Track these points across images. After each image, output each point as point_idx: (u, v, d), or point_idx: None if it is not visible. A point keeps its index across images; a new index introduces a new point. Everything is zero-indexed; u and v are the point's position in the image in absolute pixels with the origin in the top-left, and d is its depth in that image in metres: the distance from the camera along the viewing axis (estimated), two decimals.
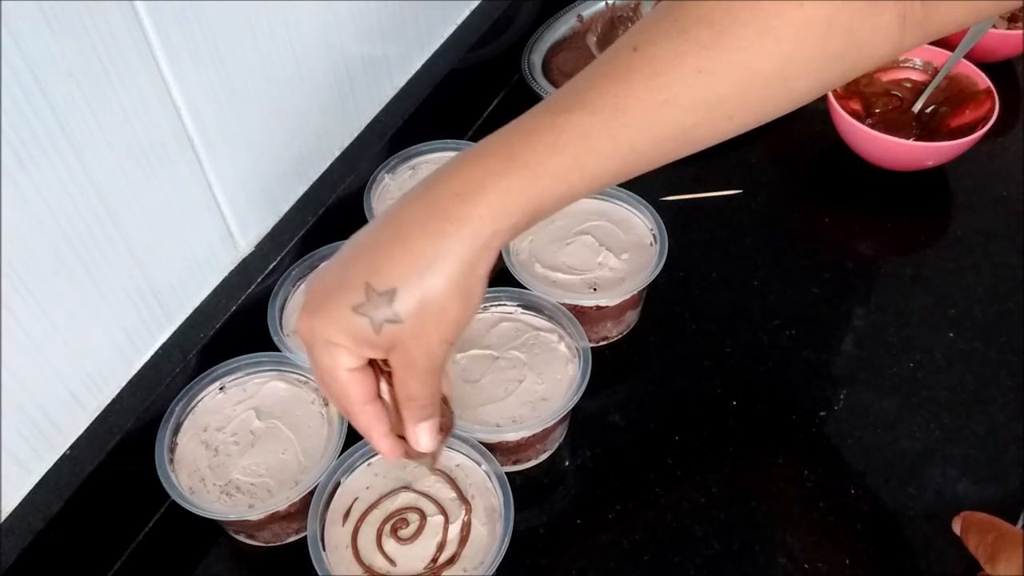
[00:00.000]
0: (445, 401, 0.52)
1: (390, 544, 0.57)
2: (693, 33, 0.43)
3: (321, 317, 0.45)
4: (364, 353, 0.45)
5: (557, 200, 0.44)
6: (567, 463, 0.67)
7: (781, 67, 0.44)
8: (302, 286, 0.71)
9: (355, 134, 0.78)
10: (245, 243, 0.70)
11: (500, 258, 0.55)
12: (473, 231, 0.42)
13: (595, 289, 0.70)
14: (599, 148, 0.43)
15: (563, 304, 0.68)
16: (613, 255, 0.72)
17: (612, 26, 0.96)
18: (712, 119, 0.45)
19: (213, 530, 0.63)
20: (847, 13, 0.43)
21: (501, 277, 0.69)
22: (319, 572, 0.55)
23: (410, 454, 0.51)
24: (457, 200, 0.43)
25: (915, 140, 0.83)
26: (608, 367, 0.71)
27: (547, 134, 0.43)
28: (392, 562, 0.57)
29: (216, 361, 0.65)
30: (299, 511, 0.60)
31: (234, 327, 0.67)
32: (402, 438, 0.50)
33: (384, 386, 0.48)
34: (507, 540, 0.56)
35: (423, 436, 0.49)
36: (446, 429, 0.52)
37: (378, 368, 0.47)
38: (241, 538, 0.63)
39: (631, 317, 0.73)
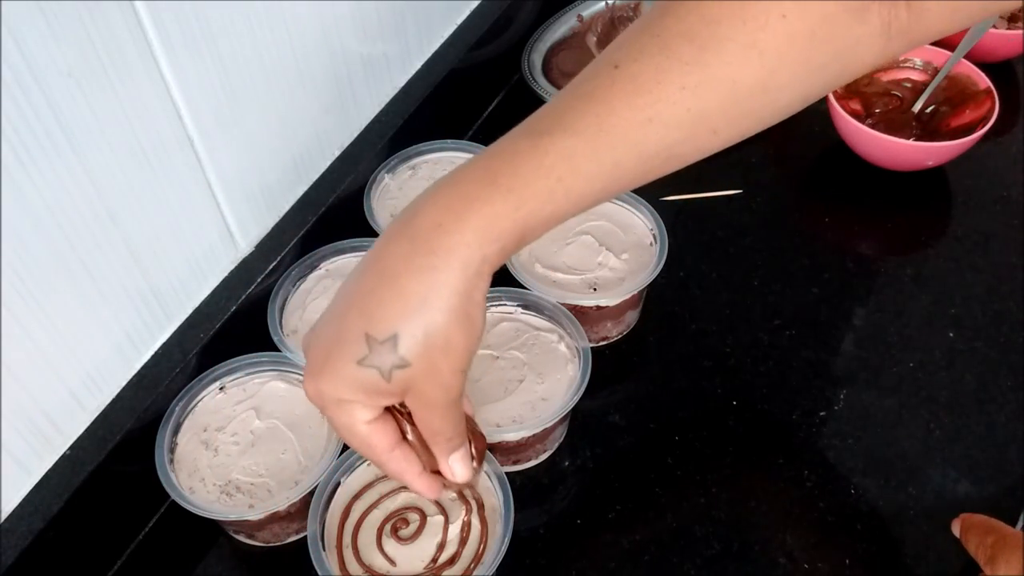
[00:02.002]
0: (471, 424, 0.51)
1: (390, 544, 0.57)
2: (675, 48, 0.42)
3: (327, 378, 0.44)
4: (379, 403, 0.45)
5: (544, 222, 0.43)
6: (567, 463, 0.67)
7: (765, 80, 0.43)
8: (302, 286, 0.71)
9: (355, 134, 0.78)
10: (245, 243, 0.70)
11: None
12: (462, 261, 0.41)
13: (595, 289, 0.70)
14: (584, 169, 0.42)
15: (563, 304, 0.68)
16: (613, 255, 0.72)
17: (612, 26, 0.96)
18: (697, 135, 0.44)
19: (213, 530, 0.63)
20: (831, 23, 0.43)
21: (501, 277, 0.69)
22: (319, 572, 0.55)
23: (448, 486, 0.50)
24: (440, 231, 0.42)
25: (915, 140, 0.83)
26: (608, 367, 0.71)
27: (530, 156, 0.42)
28: (392, 562, 0.57)
29: (216, 361, 0.65)
30: (299, 511, 0.60)
31: (234, 327, 0.67)
32: (437, 472, 0.49)
33: (408, 427, 0.47)
34: (507, 540, 0.56)
35: (457, 467, 0.48)
36: (480, 451, 0.51)
37: (396, 412, 0.47)
38: (241, 538, 0.63)
39: (631, 317, 0.73)
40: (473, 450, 0.50)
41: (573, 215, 0.44)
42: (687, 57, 0.42)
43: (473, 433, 0.51)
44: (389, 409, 0.46)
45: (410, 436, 0.47)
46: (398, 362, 0.42)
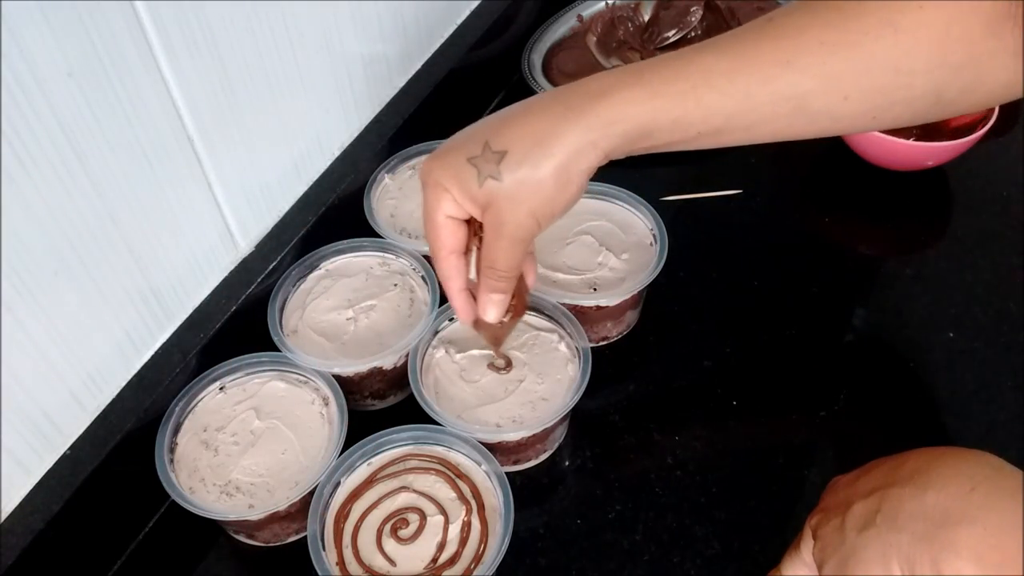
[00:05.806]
0: (523, 288, 0.56)
1: (390, 544, 0.57)
2: (822, 14, 0.48)
3: (440, 161, 0.51)
4: (464, 205, 0.51)
5: (671, 124, 0.49)
6: (567, 463, 0.67)
7: (898, 59, 0.47)
8: (302, 286, 0.71)
9: (355, 134, 0.78)
10: (245, 243, 0.70)
11: None
12: (587, 123, 0.48)
13: (595, 289, 0.70)
14: (717, 84, 0.48)
15: (563, 304, 0.68)
16: (613, 255, 0.72)
17: (612, 26, 0.96)
18: (828, 91, 0.48)
19: (213, 530, 0.63)
20: (965, 26, 0.46)
21: None
22: (319, 572, 0.55)
23: (479, 323, 0.55)
24: (586, 96, 0.49)
25: (915, 140, 0.83)
26: (608, 367, 0.71)
27: (675, 63, 0.49)
28: (392, 562, 0.57)
29: (216, 361, 0.65)
30: (299, 511, 0.60)
31: (234, 327, 0.67)
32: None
33: (474, 246, 0.53)
34: (507, 540, 0.56)
35: (490, 307, 0.54)
36: (516, 314, 0.57)
37: (473, 231, 0.53)
38: (241, 538, 0.63)
39: (631, 317, 0.73)
40: (511, 305, 0.55)
41: (700, 129, 0.49)
42: (831, 20, 0.48)
43: (520, 294, 0.56)
44: (469, 223, 0.53)
45: (472, 258, 0.53)
46: (494, 172, 0.49)
